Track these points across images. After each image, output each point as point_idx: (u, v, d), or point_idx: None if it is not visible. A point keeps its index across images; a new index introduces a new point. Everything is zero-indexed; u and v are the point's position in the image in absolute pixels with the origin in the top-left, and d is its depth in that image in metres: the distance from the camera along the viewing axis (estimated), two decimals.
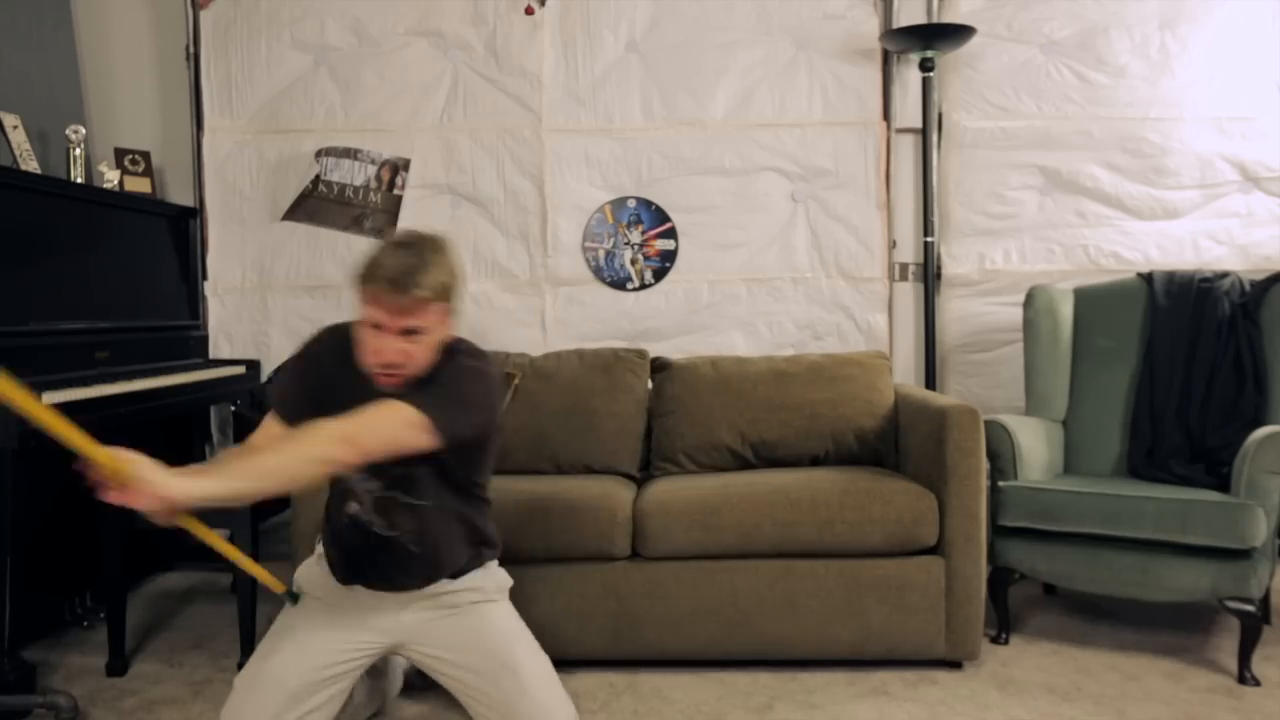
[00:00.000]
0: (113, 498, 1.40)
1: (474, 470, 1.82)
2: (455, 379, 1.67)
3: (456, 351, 1.73)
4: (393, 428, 1.54)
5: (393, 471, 1.70)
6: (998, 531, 2.63)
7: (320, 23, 3.54)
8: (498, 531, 1.93)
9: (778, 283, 3.52)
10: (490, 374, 1.75)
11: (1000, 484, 2.64)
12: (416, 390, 1.63)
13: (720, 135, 3.51)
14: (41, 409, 1.43)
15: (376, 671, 2.02)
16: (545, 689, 1.78)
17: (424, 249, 1.60)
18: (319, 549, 1.90)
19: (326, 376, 1.72)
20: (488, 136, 3.54)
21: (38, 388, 2.34)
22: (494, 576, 1.90)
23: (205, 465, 1.49)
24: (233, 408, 3.53)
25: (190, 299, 3.44)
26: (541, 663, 1.82)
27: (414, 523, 1.75)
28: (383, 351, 1.59)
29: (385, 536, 1.75)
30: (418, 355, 1.62)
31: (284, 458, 1.50)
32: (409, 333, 1.59)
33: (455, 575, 1.83)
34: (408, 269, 1.55)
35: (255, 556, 2.55)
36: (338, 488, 1.80)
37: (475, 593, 1.84)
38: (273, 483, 1.49)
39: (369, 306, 1.58)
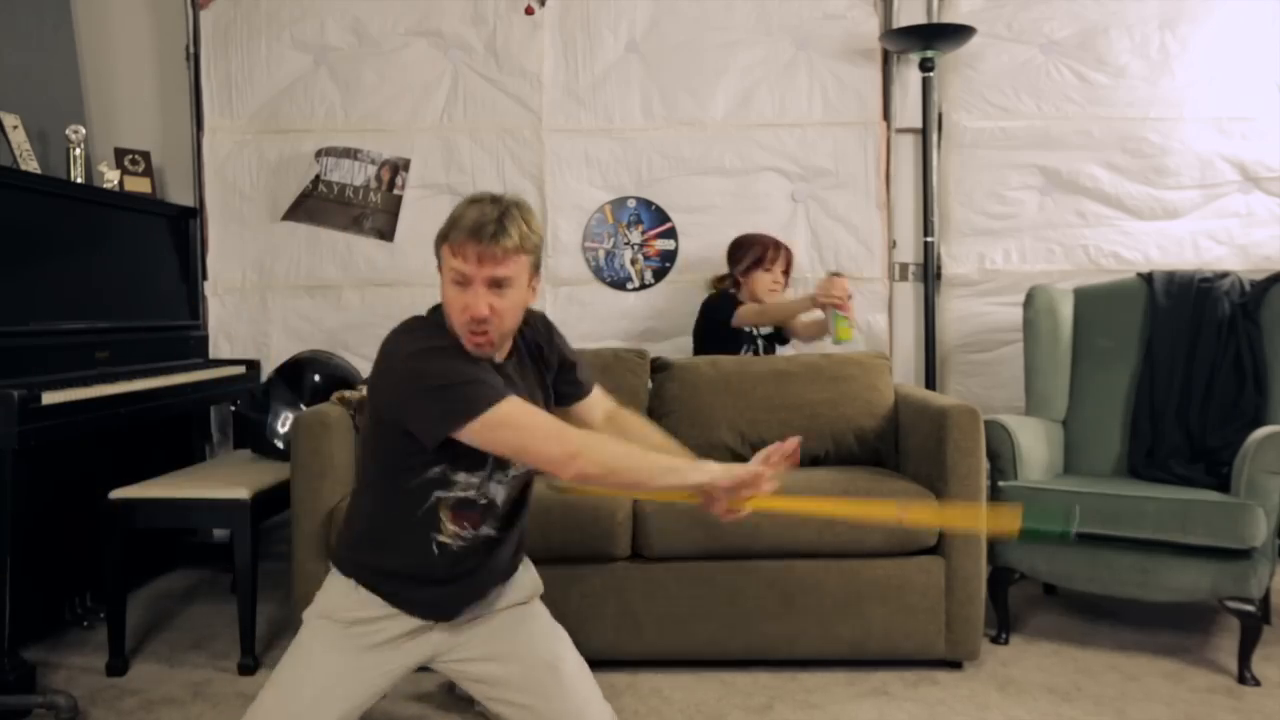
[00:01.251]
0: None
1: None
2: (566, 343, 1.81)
3: (532, 321, 1.76)
4: None
5: (516, 480, 1.72)
6: None
7: (320, 23, 3.55)
8: None
9: None
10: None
11: (1000, 484, 2.64)
12: (560, 366, 1.78)
13: (720, 135, 3.51)
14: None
15: None
16: (586, 686, 1.76)
17: (507, 203, 1.58)
18: (353, 583, 1.72)
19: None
20: (488, 136, 3.54)
21: (38, 388, 2.34)
22: (530, 574, 1.88)
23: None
24: (233, 408, 3.53)
25: (190, 299, 3.44)
26: (581, 665, 1.79)
27: (513, 537, 1.78)
28: (471, 306, 1.55)
29: (492, 542, 1.71)
30: (505, 310, 1.58)
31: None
32: (496, 284, 1.55)
33: (507, 581, 1.81)
34: (492, 217, 1.54)
35: (255, 556, 2.56)
36: (434, 506, 1.67)
37: (514, 591, 1.81)
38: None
39: (454, 259, 1.55)
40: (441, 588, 1.69)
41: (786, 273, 3.28)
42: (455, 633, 1.74)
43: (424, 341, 1.60)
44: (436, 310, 1.66)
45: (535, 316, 1.77)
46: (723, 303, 3.22)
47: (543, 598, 1.90)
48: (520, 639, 1.77)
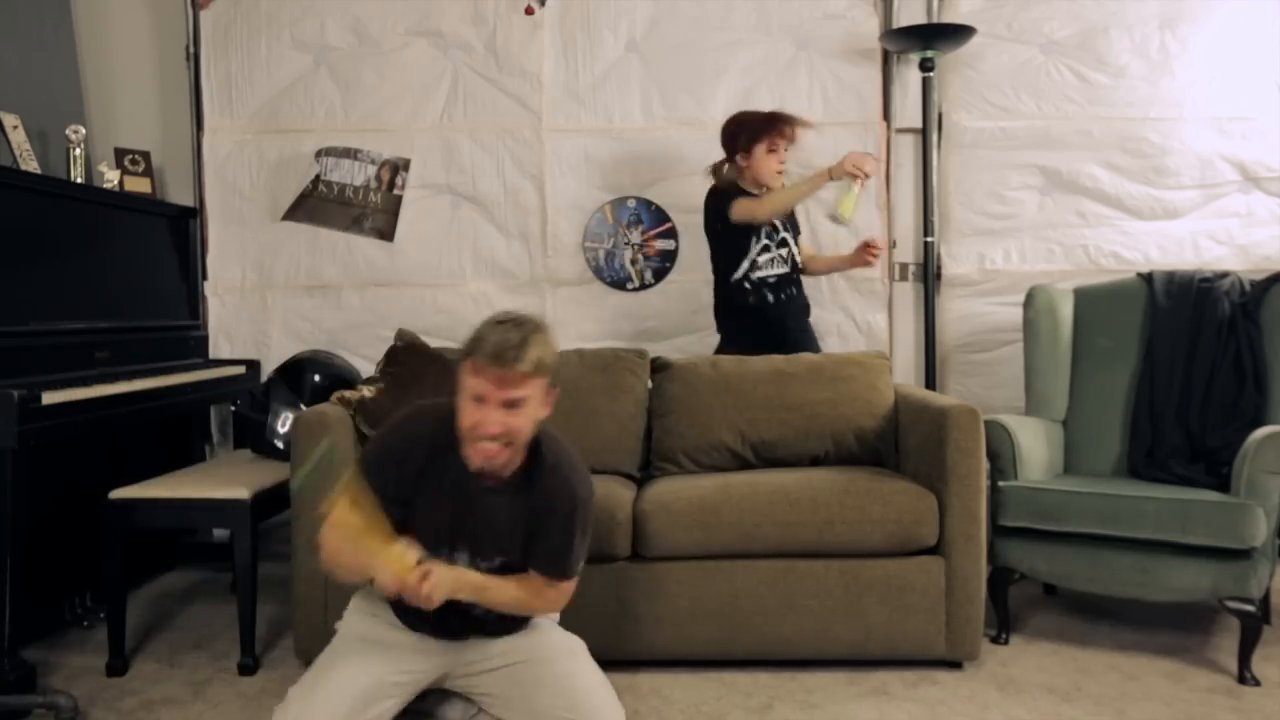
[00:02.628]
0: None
1: None
2: (581, 523, 1.79)
3: (559, 458, 1.79)
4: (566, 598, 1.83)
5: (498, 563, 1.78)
6: (998, 531, 2.63)
7: (320, 23, 3.55)
8: None
9: None
10: (591, 498, 1.84)
11: (1000, 484, 2.64)
12: (540, 529, 1.76)
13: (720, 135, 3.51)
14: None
15: None
16: (598, 679, 1.85)
17: (526, 326, 1.66)
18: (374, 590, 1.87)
19: (418, 471, 1.75)
20: (488, 136, 3.54)
21: (38, 388, 2.34)
22: (558, 637, 1.96)
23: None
24: (233, 408, 3.53)
25: (190, 299, 3.44)
26: (595, 668, 1.88)
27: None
28: (485, 424, 1.63)
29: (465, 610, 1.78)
30: (518, 429, 1.66)
31: (509, 597, 1.76)
32: (511, 405, 1.64)
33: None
34: (513, 343, 1.62)
35: (255, 556, 2.56)
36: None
37: (541, 649, 1.90)
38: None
39: (474, 378, 1.64)
40: (430, 624, 1.81)
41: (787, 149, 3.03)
42: (471, 647, 1.85)
43: (402, 420, 1.81)
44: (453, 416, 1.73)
45: (576, 486, 1.79)
46: (721, 196, 2.99)
47: None
48: (537, 637, 1.88)
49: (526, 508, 1.75)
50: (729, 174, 3.10)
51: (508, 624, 1.85)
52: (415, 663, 1.81)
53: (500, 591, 1.73)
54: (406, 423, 1.80)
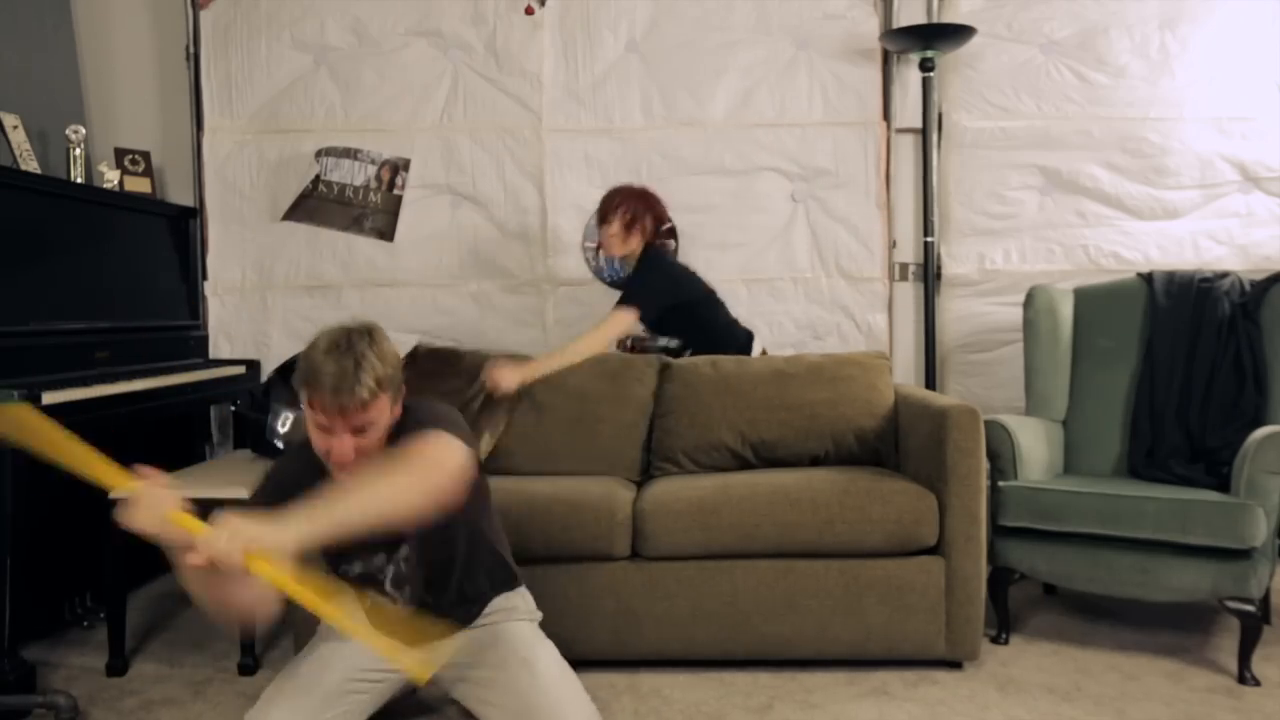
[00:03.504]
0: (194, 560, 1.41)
1: (484, 514, 1.86)
2: (432, 418, 1.67)
3: (417, 414, 1.72)
4: (450, 449, 1.57)
5: (420, 532, 1.70)
6: (998, 531, 2.63)
7: (320, 23, 3.55)
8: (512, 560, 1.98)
9: (778, 283, 3.53)
10: (448, 410, 1.77)
11: (1000, 484, 2.64)
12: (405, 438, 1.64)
13: (720, 135, 3.51)
14: (64, 443, 1.47)
15: None
16: (562, 685, 1.78)
17: (358, 347, 1.59)
18: None
19: (296, 488, 1.66)
20: (488, 136, 3.54)
21: (38, 388, 2.34)
22: (526, 600, 1.95)
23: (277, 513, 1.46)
24: (233, 408, 3.53)
25: (190, 299, 3.44)
26: (562, 666, 1.83)
27: (451, 591, 1.81)
28: (335, 451, 1.60)
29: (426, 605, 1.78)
30: (370, 448, 1.62)
31: (370, 496, 1.49)
32: (359, 430, 1.60)
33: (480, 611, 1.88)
34: (345, 373, 1.56)
35: None
36: (341, 576, 1.79)
37: (505, 613, 1.89)
38: (364, 521, 1.47)
39: (315, 412, 1.59)
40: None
41: (628, 227, 3.04)
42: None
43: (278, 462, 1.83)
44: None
45: (417, 412, 1.73)
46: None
47: (542, 599, 1.93)
48: (499, 644, 1.83)
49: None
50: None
51: (469, 607, 1.83)
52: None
53: (363, 492, 1.48)
54: (282, 462, 1.82)
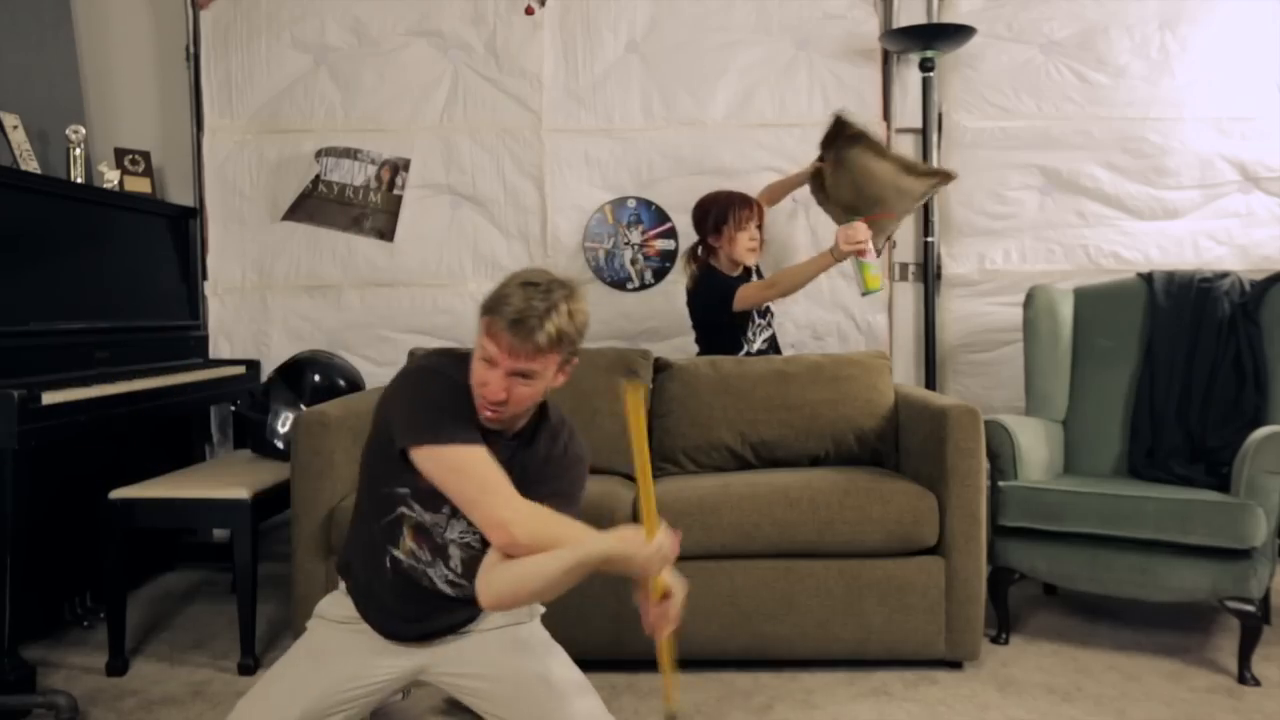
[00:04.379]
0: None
1: None
2: (575, 477, 1.69)
3: (563, 421, 1.71)
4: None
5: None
6: (998, 531, 2.63)
7: (320, 23, 3.55)
8: None
9: None
10: (585, 462, 1.75)
11: (1000, 484, 2.64)
12: (539, 479, 1.64)
13: (720, 135, 3.51)
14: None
15: None
16: (580, 699, 1.70)
17: (554, 293, 1.54)
18: (342, 587, 1.79)
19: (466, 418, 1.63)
20: (488, 136, 3.54)
21: (38, 388, 2.34)
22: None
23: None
24: (233, 408, 3.53)
25: (190, 299, 3.45)
26: (577, 675, 1.76)
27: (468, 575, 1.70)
28: (489, 385, 1.54)
29: (450, 596, 1.69)
30: (524, 397, 1.57)
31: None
32: (520, 375, 1.54)
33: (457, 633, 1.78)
34: (536, 312, 1.51)
35: (255, 556, 2.56)
36: (398, 523, 1.68)
37: (506, 616, 1.79)
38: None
39: (487, 339, 1.54)
40: (389, 612, 1.71)
41: (760, 227, 3.05)
42: (443, 647, 1.75)
43: (447, 367, 1.64)
44: (465, 359, 1.64)
45: (580, 447, 1.73)
46: (713, 285, 3.00)
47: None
48: (510, 654, 1.75)
49: (528, 462, 1.66)
50: (704, 258, 3.11)
51: (472, 614, 1.75)
52: (379, 667, 1.71)
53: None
54: (442, 359, 1.68)
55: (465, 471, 1.54)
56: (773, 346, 3.20)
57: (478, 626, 1.78)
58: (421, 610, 1.71)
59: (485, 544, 1.62)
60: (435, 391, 1.60)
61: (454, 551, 1.68)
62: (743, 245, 3.02)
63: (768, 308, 3.16)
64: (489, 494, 1.53)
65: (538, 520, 1.54)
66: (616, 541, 1.53)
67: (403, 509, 1.66)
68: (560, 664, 1.76)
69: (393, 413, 1.62)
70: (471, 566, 1.64)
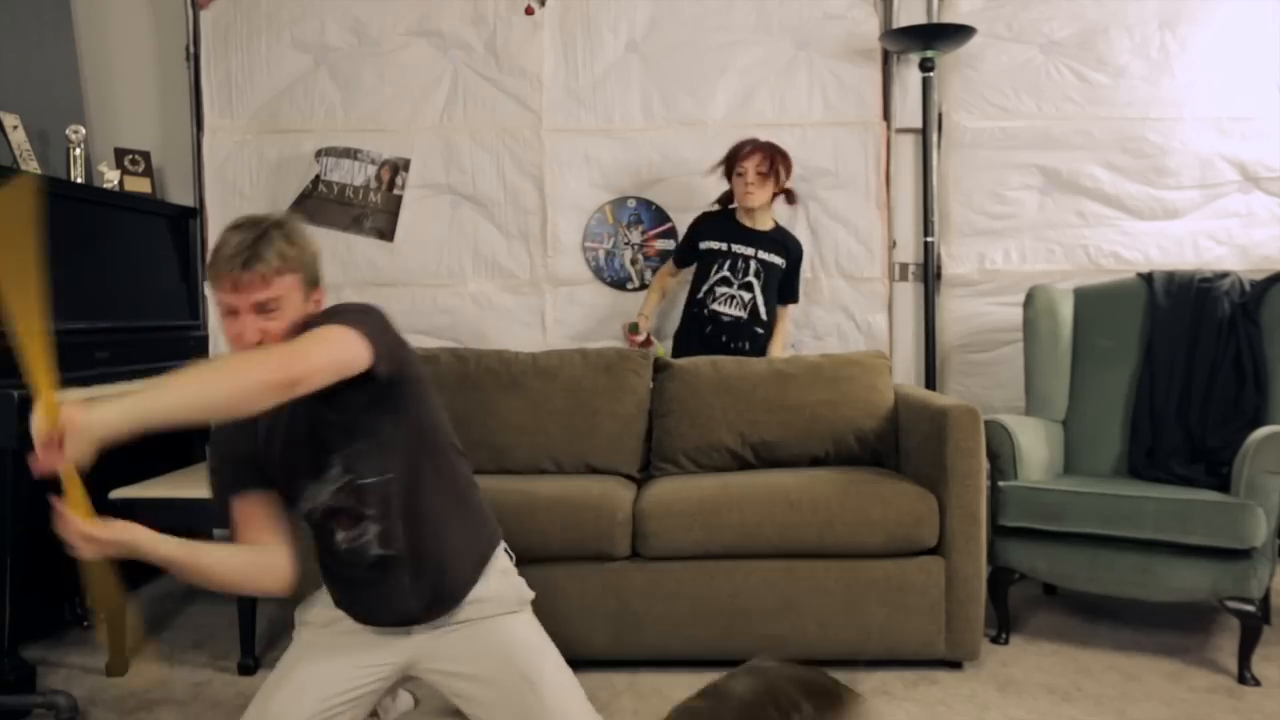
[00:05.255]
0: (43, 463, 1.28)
1: (425, 410, 1.67)
2: (339, 309, 1.58)
3: (334, 309, 1.62)
4: (326, 341, 1.45)
5: (345, 446, 1.59)
6: (998, 531, 2.63)
7: (320, 23, 3.54)
8: (492, 514, 1.81)
9: None
10: (370, 307, 1.63)
11: (1000, 484, 2.64)
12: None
13: (720, 135, 3.50)
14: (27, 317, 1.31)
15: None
16: (568, 705, 1.65)
17: (266, 225, 1.54)
18: (323, 590, 1.79)
19: (243, 445, 1.65)
20: (488, 136, 3.54)
21: None
22: (514, 586, 1.79)
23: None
24: None
25: (190, 299, 3.44)
26: (565, 678, 1.71)
27: (396, 516, 1.63)
28: (243, 334, 1.52)
29: (381, 555, 1.64)
30: (277, 333, 1.53)
31: (213, 373, 1.40)
32: (263, 310, 1.51)
33: (465, 588, 1.71)
34: (246, 243, 1.50)
35: None
36: (314, 520, 1.69)
37: (493, 604, 1.73)
38: (205, 400, 1.34)
39: (220, 293, 1.52)
40: (354, 593, 1.70)
41: (770, 175, 3.13)
42: (430, 638, 1.71)
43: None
44: None
45: (337, 311, 1.63)
46: (699, 220, 3.28)
47: (542, 599, 1.86)
48: (498, 654, 1.70)
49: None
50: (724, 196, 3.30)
51: (454, 591, 1.69)
52: (369, 664, 1.69)
53: (205, 370, 1.39)
54: (215, 435, 1.72)
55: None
56: (738, 328, 3.17)
57: (463, 616, 1.71)
58: (374, 579, 1.66)
59: (355, 487, 1.61)
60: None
61: (361, 506, 1.64)
62: (739, 190, 3.16)
63: (749, 280, 3.17)
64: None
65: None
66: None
67: (307, 506, 1.66)
68: (551, 666, 1.72)
69: None
70: (395, 522, 1.63)
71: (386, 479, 1.63)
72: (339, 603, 1.74)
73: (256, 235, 1.51)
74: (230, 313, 1.53)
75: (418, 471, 1.66)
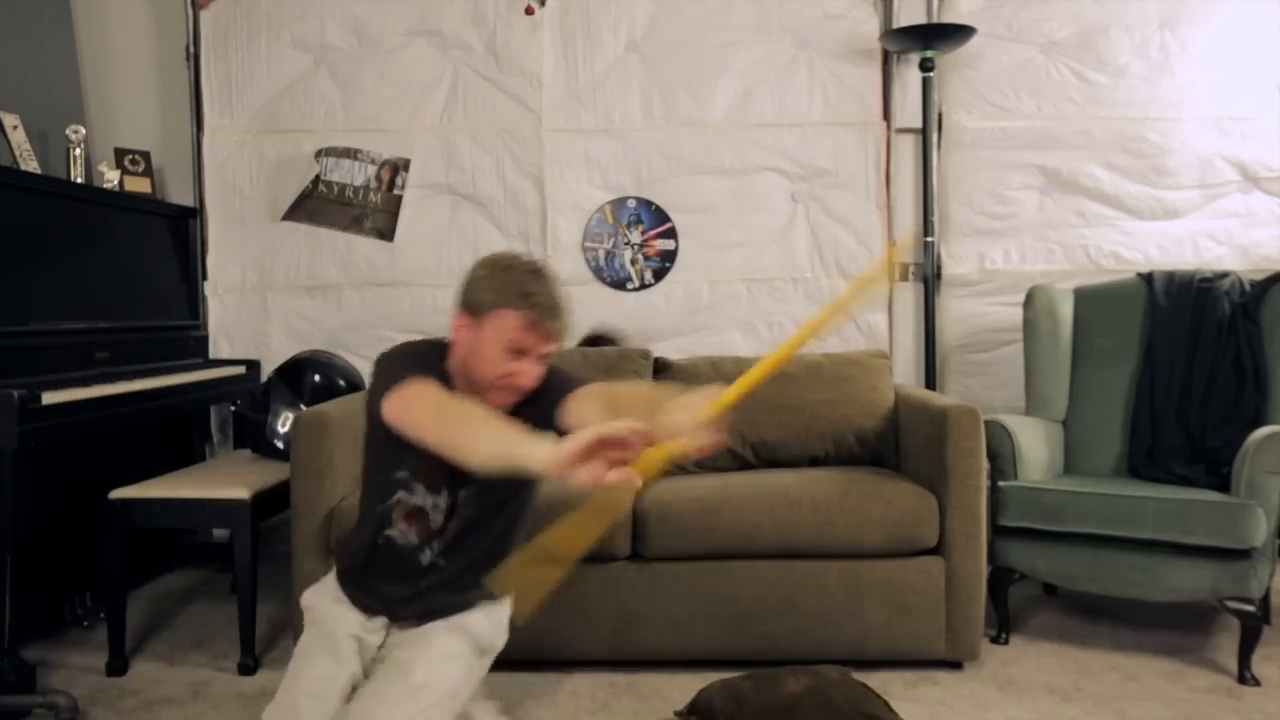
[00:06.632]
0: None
1: (529, 503, 1.77)
2: (562, 381, 1.67)
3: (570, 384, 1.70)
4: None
5: (483, 488, 1.63)
6: (998, 531, 2.63)
7: (320, 23, 3.54)
8: None
9: (778, 283, 3.53)
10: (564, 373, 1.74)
11: (1000, 484, 2.64)
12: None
13: (720, 135, 3.51)
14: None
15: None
16: (413, 707, 1.56)
17: (557, 278, 1.62)
18: (334, 573, 1.77)
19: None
20: (488, 136, 3.54)
21: (38, 388, 2.34)
22: (491, 632, 1.75)
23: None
24: (233, 408, 3.53)
25: (190, 299, 3.44)
26: (451, 681, 1.63)
27: (465, 552, 1.67)
28: (525, 374, 1.59)
29: (425, 566, 1.66)
30: (541, 378, 1.63)
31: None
32: (545, 358, 1.61)
33: (459, 609, 1.70)
34: (564, 301, 1.59)
35: (255, 556, 2.56)
36: (390, 502, 1.67)
37: (460, 631, 1.70)
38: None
39: (522, 333, 1.55)
40: (366, 570, 1.69)
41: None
42: (401, 631, 1.70)
43: (421, 348, 1.69)
44: (442, 344, 1.67)
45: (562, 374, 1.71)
46: None
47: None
48: (417, 643, 1.66)
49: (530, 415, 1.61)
50: None
51: (466, 594, 1.69)
52: (363, 641, 1.68)
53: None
54: (412, 350, 1.68)
55: (409, 396, 1.51)
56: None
57: (433, 623, 1.69)
58: (410, 591, 1.67)
59: (462, 513, 1.64)
60: (400, 356, 1.65)
61: (441, 531, 1.66)
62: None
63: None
64: (421, 406, 1.50)
65: (460, 408, 1.49)
66: (541, 462, 1.32)
67: (401, 494, 1.66)
68: (448, 669, 1.64)
69: (370, 392, 1.65)
70: (455, 548, 1.66)
71: (486, 530, 1.69)
72: (349, 591, 1.72)
73: (564, 292, 1.60)
74: (518, 353, 1.58)
75: (510, 530, 1.73)
